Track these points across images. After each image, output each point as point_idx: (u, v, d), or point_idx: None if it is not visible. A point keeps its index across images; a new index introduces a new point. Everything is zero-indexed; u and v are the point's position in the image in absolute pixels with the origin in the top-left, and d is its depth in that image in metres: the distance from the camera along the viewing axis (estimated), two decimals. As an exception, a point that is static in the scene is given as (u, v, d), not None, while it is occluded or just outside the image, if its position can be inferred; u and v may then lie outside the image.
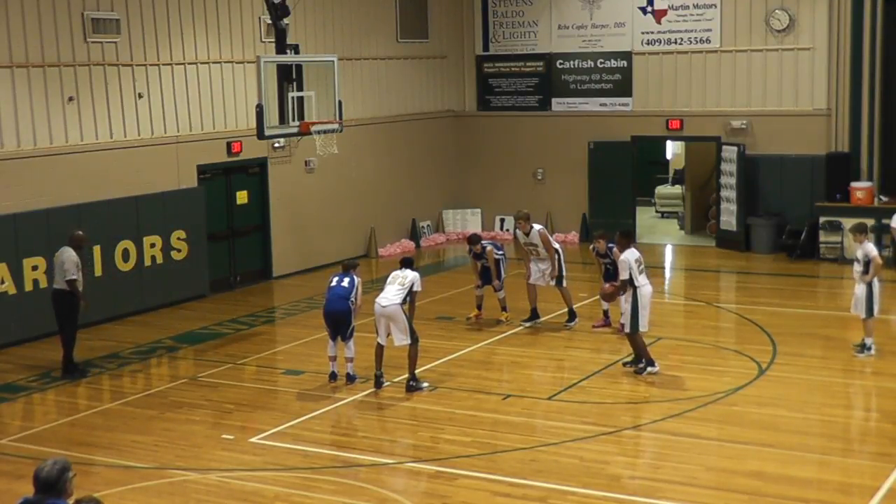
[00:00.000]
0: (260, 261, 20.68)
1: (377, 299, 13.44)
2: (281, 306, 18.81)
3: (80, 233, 14.80)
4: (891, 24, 21.35)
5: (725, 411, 12.46)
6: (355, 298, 13.71)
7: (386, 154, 23.48)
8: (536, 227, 16.41)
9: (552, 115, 24.80)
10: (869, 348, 14.42)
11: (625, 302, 13.96)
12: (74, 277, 14.32)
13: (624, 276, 13.66)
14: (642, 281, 13.74)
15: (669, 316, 17.85)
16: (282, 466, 11.06)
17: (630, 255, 13.68)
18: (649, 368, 13.81)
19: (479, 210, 25.49)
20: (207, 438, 11.95)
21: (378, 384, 13.54)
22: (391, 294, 13.35)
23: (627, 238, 13.99)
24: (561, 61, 24.61)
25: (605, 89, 24.19)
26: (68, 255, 14.40)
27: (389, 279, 13.65)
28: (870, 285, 14.30)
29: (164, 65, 18.49)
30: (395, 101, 23.84)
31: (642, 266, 13.86)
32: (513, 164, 25.10)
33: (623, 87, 23.99)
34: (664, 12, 23.42)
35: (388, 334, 13.38)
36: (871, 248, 14.35)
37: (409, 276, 13.53)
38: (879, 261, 14.36)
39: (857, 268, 14.40)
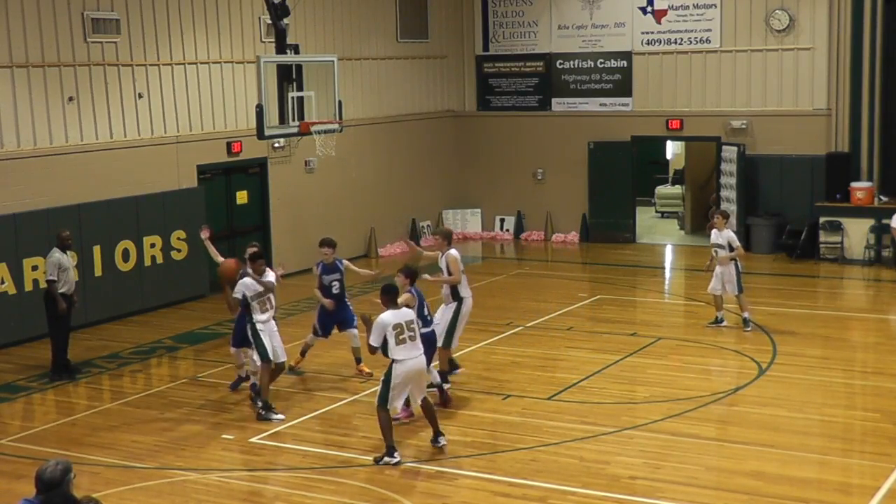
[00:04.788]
0: (260, 261, 20.65)
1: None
2: (281, 306, 18.71)
3: (66, 233, 14.67)
4: (891, 24, 21.34)
5: (725, 411, 12.47)
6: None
7: (386, 154, 23.48)
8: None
9: (552, 115, 24.80)
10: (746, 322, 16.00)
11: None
12: (52, 279, 14.25)
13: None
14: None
15: (669, 316, 17.90)
16: (282, 466, 11.06)
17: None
18: (386, 458, 11.03)
19: (478, 210, 25.50)
20: (207, 438, 11.95)
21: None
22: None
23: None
24: (561, 61, 24.60)
25: (605, 89, 24.18)
26: (51, 257, 14.33)
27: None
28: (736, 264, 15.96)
29: (164, 65, 18.49)
30: (395, 101, 23.83)
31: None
32: (513, 164, 25.09)
33: (623, 87, 23.99)
34: (664, 12, 23.42)
35: None
36: (733, 236, 16.10)
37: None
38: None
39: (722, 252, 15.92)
